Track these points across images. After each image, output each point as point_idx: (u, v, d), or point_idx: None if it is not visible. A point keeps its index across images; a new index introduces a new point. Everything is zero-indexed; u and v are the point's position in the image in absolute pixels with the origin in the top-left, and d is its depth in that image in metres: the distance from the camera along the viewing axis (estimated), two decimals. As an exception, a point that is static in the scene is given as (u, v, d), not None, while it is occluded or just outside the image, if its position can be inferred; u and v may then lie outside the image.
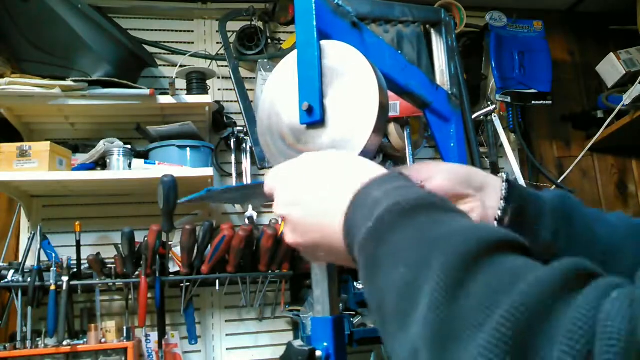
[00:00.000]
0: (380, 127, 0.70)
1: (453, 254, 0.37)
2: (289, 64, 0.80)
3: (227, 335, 2.26)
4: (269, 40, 2.51)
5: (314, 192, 0.56)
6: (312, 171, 0.58)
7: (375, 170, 0.54)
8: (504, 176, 0.72)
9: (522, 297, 0.32)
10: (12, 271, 1.97)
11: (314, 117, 0.73)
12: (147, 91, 2.06)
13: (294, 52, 0.78)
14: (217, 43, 2.51)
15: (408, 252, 0.41)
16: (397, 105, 2.10)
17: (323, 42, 0.76)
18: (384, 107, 0.70)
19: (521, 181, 2.35)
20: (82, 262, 2.03)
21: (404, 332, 0.38)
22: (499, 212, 0.70)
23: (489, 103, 2.46)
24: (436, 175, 0.70)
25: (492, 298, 0.34)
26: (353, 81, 0.72)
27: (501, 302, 0.33)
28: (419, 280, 0.38)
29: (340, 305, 1.99)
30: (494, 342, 0.31)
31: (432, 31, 1.28)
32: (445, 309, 0.35)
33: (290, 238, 0.60)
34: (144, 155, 2.16)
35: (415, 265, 0.39)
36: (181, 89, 2.22)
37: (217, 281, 2.08)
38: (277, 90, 0.81)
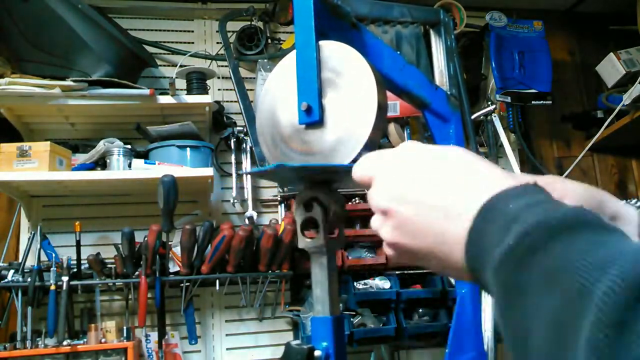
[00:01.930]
0: (379, 126, 0.70)
1: (620, 281, 0.31)
2: (288, 64, 0.80)
3: (227, 335, 2.26)
4: (269, 40, 2.52)
5: (432, 189, 0.48)
6: (428, 164, 0.50)
7: (504, 176, 0.46)
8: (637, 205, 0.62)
9: None
10: (12, 271, 1.97)
11: (313, 117, 0.73)
12: (147, 91, 2.06)
13: (293, 53, 0.78)
14: (217, 43, 2.51)
15: (562, 278, 0.34)
16: (397, 105, 2.10)
17: (321, 43, 0.76)
18: (382, 107, 0.70)
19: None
20: (82, 262, 2.03)
21: None
22: None
23: (489, 103, 2.46)
24: (567, 195, 0.60)
25: None
26: (351, 81, 0.73)
27: None
28: (577, 312, 0.32)
29: (340, 305, 2.00)
30: None
31: (431, 32, 1.28)
32: (610, 351, 0.29)
33: (390, 236, 0.51)
34: (144, 155, 2.16)
35: (571, 294, 0.33)
36: (181, 89, 2.22)
37: (217, 281, 2.08)
38: (277, 91, 0.81)
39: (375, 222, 0.54)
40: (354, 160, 0.70)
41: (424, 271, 2.22)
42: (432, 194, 0.48)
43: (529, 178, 0.51)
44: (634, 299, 0.29)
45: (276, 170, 0.71)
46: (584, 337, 0.31)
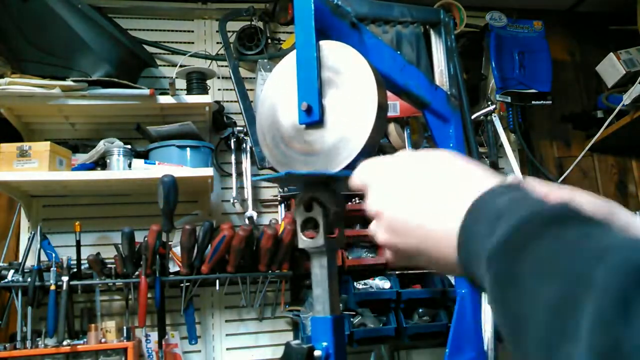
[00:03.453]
0: (379, 126, 0.70)
1: (619, 267, 0.32)
2: (288, 64, 0.80)
3: (227, 335, 2.26)
4: (269, 40, 2.52)
5: (421, 190, 0.51)
6: (418, 168, 0.53)
7: (492, 175, 0.49)
8: None
9: None
10: (12, 271, 1.97)
11: (313, 117, 0.73)
12: (147, 91, 2.06)
13: (293, 53, 0.78)
14: (217, 43, 2.51)
15: (559, 267, 0.35)
16: (397, 105, 2.10)
17: (322, 43, 0.76)
18: (382, 107, 0.70)
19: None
20: (82, 262, 2.03)
21: (562, 351, 0.33)
22: None
23: (489, 103, 2.46)
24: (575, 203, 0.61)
25: None
26: (352, 81, 0.73)
27: None
28: (578, 297, 0.33)
29: (340, 305, 1.99)
30: None
31: (432, 32, 1.28)
32: (616, 332, 0.30)
33: (383, 238, 0.55)
34: (144, 155, 2.16)
35: (571, 281, 0.34)
36: (181, 89, 2.22)
37: (217, 281, 2.08)
38: (277, 91, 0.81)
39: (372, 226, 0.57)
40: (355, 160, 0.70)
41: (424, 271, 2.22)
42: (419, 196, 0.51)
43: (521, 180, 0.54)
44: (633, 282, 0.31)
45: (285, 177, 0.72)
46: (586, 319, 0.31)
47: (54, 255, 2.03)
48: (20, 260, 2.05)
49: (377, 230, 0.55)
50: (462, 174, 0.50)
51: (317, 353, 0.74)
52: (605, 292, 0.31)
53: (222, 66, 2.46)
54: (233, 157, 2.33)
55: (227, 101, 2.48)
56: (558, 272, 0.35)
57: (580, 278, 0.33)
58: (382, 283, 2.17)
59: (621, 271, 0.32)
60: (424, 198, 0.50)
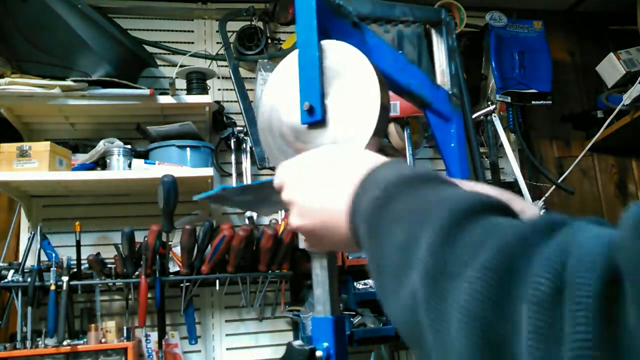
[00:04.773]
0: (381, 127, 0.70)
1: (447, 212, 0.42)
2: (290, 64, 0.80)
3: (227, 335, 2.26)
4: (269, 40, 2.51)
5: (319, 178, 0.60)
6: (318, 161, 0.63)
7: (376, 157, 0.58)
8: (540, 206, 0.71)
9: (503, 241, 0.37)
10: (12, 271, 1.97)
11: (315, 116, 0.73)
12: (147, 91, 2.06)
13: (295, 52, 0.77)
14: (217, 43, 2.51)
15: (409, 213, 0.45)
16: (397, 105, 2.10)
17: (323, 42, 0.76)
18: (385, 107, 0.70)
19: (521, 181, 2.35)
20: (82, 262, 2.03)
21: (405, 279, 0.42)
22: None
23: (489, 103, 2.46)
24: None
25: (478, 243, 0.38)
26: (354, 81, 0.72)
27: (487, 245, 0.38)
28: (418, 234, 0.42)
29: (340, 305, 1.99)
30: (482, 273, 0.36)
31: (433, 31, 1.28)
32: (440, 252, 0.39)
33: (295, 222, 0.63)
34: (144, 155, 2.16)
35: (414, 224, 0.44)
36: (181, 89, 2.22)
37: (217, 281, 2.07)
38: (278, 90, 0.81)
39: (289, 216, 0.65)
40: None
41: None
42: (318, 181, 0.60)
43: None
44: (455, 222, 0.40)
45: (223, 193, 0.74)
46: (422, 249, 0.41)
47: (54, 255, 2.03)
48: (20, 260, 2.04)
49: (291, 217, 0.64)
50: (354, 160, 0.58)
51: (318, 353, 0.74)
52: (434, 229, 0.41)
53: (222, 66, 2.46)
54: (233, 157, 2.33)
55: (227, 101, 2.47)
56: (407, 217, 0.45)
57: (420, 222, 0.43)
58: (382, 283, 2.17)
59: (445, 216, 0.41)
60: (324, 185, 0.59)
